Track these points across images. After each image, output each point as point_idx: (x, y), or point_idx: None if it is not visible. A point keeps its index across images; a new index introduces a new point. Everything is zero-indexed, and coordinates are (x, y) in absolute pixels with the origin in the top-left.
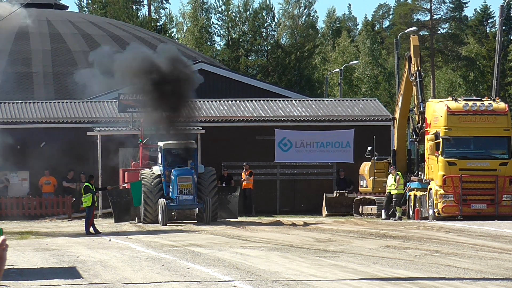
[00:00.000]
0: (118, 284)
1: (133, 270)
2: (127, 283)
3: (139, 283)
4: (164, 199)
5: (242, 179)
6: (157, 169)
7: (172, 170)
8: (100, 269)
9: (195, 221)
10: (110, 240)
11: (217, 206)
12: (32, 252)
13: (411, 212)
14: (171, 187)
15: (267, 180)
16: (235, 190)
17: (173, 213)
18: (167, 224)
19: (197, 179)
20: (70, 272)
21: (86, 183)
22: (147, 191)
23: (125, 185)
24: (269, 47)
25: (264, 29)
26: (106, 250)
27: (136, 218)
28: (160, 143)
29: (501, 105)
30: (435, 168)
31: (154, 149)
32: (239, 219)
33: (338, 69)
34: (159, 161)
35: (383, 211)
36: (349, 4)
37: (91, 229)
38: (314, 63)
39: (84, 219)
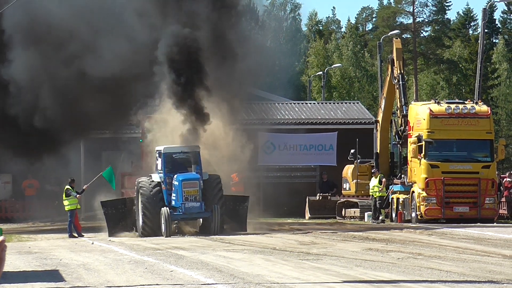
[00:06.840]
0: (101, 287)
1: (116, 273)
2: (110, 286)
3: (122, 286)
4: (167, 208)
5: (233, 181)
6: (156, 177)
7: (175, 175)
8: (83, 272)
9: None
10: (93, 243)
11: (224, 215)
12: (14, 255)
13: (394, 215)
14: (173, 194)
15: (250, 182)
16: (245, 200)
17: (174, 225)
18: (171, 236)
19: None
20: (53, 275)
21: (67, 186)
22: (145, 201)
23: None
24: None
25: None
26: (89, 253)
27: (134, 228)
28: (160, 147)
29: (483, 108)
30: (417, 171)
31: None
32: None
33: (320, 72)
34: (159, 167)
35: (366, 214)
36: (333, 7)
37: (74, 232)
38: (298, 68)
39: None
